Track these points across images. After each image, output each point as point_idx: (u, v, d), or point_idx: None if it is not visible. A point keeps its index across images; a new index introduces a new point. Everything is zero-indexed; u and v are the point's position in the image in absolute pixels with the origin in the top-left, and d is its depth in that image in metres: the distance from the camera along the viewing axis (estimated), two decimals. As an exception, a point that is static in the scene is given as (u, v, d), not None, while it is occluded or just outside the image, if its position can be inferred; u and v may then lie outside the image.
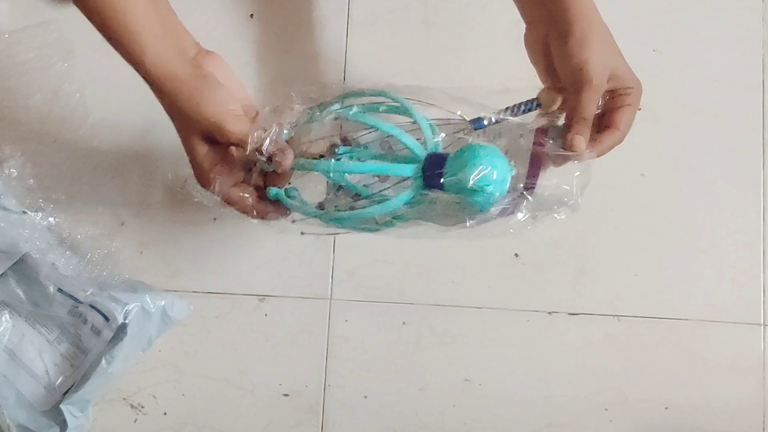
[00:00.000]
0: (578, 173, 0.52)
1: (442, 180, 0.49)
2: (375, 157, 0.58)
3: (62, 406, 0.65)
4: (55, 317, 0.67)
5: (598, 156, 0.53)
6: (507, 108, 0.55)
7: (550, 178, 0.53)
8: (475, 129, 0.56)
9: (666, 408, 0.72)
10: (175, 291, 0.71)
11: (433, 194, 0.51)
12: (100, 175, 0.72)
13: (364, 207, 0.54)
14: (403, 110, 0.56)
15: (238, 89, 0.56)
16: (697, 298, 0.72)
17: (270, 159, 0.53)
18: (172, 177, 0.72)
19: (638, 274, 0.72)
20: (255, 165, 0.55)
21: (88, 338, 0.68)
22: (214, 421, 0.72)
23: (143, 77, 0.52)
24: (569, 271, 0.72)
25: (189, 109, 0.51)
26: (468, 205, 0.50)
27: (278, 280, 0.72)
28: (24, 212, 0.67)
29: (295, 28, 0.73)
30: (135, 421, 0.72)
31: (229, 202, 0.55)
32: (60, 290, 0.66)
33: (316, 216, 0.56)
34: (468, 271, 0.72)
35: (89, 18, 0.50)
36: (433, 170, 0.50)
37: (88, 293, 0.66)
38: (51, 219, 0.68)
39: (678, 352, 0.72)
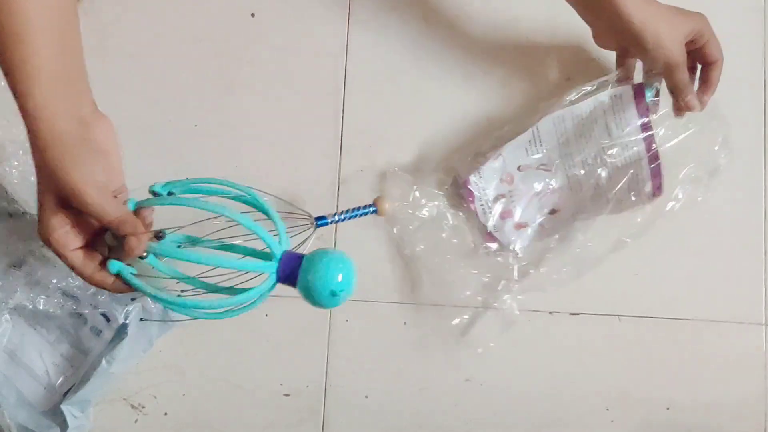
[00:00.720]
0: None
1: (296, 280, 0.52)
2: (222, 248, 0.58)
3: (62, 407, 0.65)
4: (55, 318, 0.67)
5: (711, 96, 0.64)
6: (345, 210, 0.67)
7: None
8: (318, 226, 0.65)
9: (668, 408, 0.72)
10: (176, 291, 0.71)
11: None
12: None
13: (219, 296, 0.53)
14: (254, 203, 0.56)
15: (116, 160, 0.53)
16: (698, 298, 0.72)
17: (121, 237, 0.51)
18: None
19: (639, 274, 0.72)
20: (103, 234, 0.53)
21: (88, 339, 0.68)
22: (215, 422, 0.72)
23: (23, 119, 0.49)
24: (570, 270, 0.71)
25: (56, 167, 0.48)
26: (312, 303, 0.53)
27: (279, 280, 0.72)
28: (24, 212, 0.67)
29: (295, 27, 0.73)
30: (136, 421, 0.72)
31: (69, 265, 0.51)
32: (60, 290, 0.66)
33: (161, 300, 0.53)
34: (468, 271, 0.72)
35: None
36: (289, 269, 0.52)
37: (89, 293, 0.66)
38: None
39: (679, 352, 0.72)
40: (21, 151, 0.67)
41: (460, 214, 0.69)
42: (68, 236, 0.51)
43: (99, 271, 0.52)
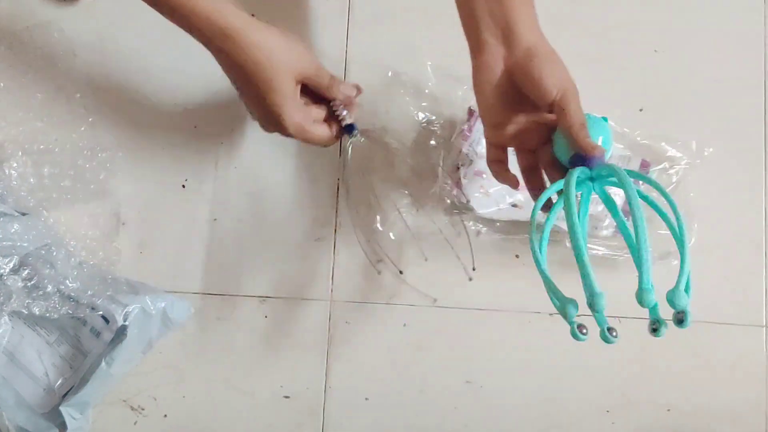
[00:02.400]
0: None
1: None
2: None
3: (62, 408, 0.65)
4: (54, 319, 0.67)
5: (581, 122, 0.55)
6: None
7: None
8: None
9: (668, 410, 0.72)
10: (176, 292, 0.71)
11: None
12: (101, 175, 0.71)
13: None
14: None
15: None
16: (699, 300, 0.71)
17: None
18: (174, 177, 0.72)
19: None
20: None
21: (87, 340, 0.68)
22: (215, 423, 0.71)
23: (223, 31, 0.54)
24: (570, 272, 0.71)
25: (289, 52, 0.55)
26: None
27: (279, 281, 0.72)
28: (23, 213, 0.67)
29: (296, 27, 0.73)
30: (135, 423, 0.71)
31: (322, 139, 0.61)
32: (60, 291, 0.65)
33: None
34: (469, 272, 0.72)
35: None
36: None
37: (88, 294, 0.65)
38: (51, 219, 0.67)
39: (680, 354, 0.72)
40: (20, 152, 0.67)
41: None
42: (312, 111, 0.61)
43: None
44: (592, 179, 0.54)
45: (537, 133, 0.56)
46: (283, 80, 0.56)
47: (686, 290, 0.51)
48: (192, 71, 0.72)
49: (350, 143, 0.66)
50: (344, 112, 0.63)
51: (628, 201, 0.48)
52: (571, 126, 0.51)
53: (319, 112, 0.62)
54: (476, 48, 0.55)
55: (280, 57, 0.55)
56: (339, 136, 0.64)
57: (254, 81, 0.56)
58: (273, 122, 0.59)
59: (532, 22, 0.54)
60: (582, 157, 0.52)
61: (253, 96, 0.57)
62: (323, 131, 0.61)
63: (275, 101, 0.57)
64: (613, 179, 0.52)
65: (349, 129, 0.64)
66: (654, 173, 0.69)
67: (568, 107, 0.52)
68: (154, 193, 0.72)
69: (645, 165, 0.70)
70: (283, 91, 0.56)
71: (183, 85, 0.73)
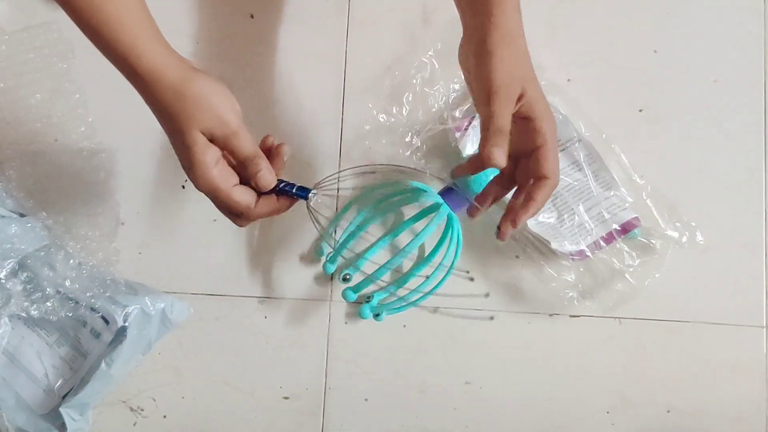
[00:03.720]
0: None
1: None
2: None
3: (61, 409, 0.65)
4: (54, 320, 0.67)
5: (534, 214, 0.55)
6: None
7: None
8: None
9: (668, 411, 0.72)
10: (175, 293, 0.71)
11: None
12: (100, 175, 0.71)
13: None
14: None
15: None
16: (698, 301, 0.72)
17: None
18: (173, 177, 0.72)
19: (639, 276, 0.71)
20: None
21: (87, 341, 0.68)
22: (214, 424, 0.71)
23: (136, 69, 0.49)
24: (570, 272, 0.71)
25: (198, 98, 0.49)
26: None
27: (278, 282, 0.72)
28: (22, 214, 0.67)
29: (295, 28, 0.73)
30: (135, 424, 0.71)
31: (234, 203, 0.52)
32: (59, 293, 0.65)
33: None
34: (469, 274, 0.72)
35: (74, 16, 0.49)
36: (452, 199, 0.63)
37: (88, 295, 0.65)
38: (50, 220, 0.67)
39: (680, 355, 0.72)
40: (19, 153, 0.67)
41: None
42: (226, 171, 0.52)
43: (264, 202, 0.54)
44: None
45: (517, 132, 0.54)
46: (193, 132, 0.50)
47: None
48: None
49: (311, 208, 0.58)
50: (281, 184, 0.56)
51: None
52: (484, 127, 0.51)
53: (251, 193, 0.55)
54: (463, 27, 0.55)
55: (193, 105, 0.50)
56: (286, 206, 0.56)
57: (165, 126, 0.51)
58: (187, 175, 0.52)
59: (513, 11, 0.51)
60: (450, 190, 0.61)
61: (172, 142, 0.52)
62: (244, 197, 0.53)
63: (184, 154, 0.51)
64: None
65: (301, 194, 0.56)
66: (638, 233, 0.69)
67: (492, 106, 0.50)
68: (154, 194, 0.72)
69: (630, 226, 0.68)
70: (196, 142, 0.50)
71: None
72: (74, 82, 0.71)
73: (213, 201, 0.53)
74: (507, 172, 0.58)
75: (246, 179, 0.54)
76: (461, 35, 0.55)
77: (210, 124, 0.50)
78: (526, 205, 0.54)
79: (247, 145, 0.52)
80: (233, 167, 0.54)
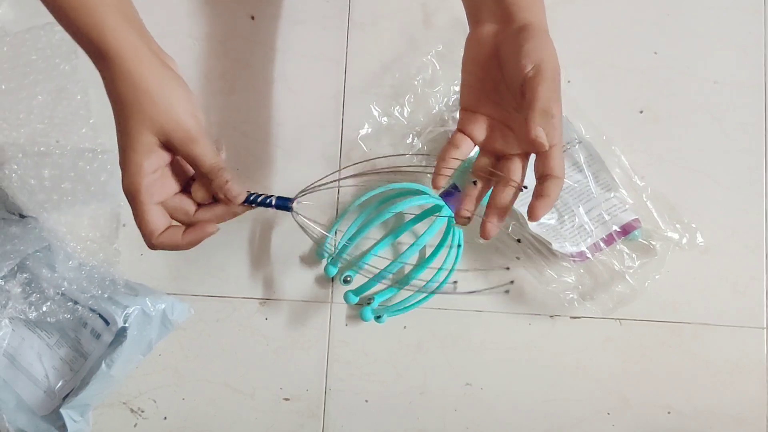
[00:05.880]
0: None
1: None
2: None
3: (62, 411, 0.65)
4: (54, 321, 0.67)
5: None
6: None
7: None
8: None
9: (668, 412, 0.72)
10: (176, 294, 0.71)
11: None
12: (102, 177, 0.71)
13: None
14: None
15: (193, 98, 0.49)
16: (699, 302, 0.72)
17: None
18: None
19: (639, 277, 0.71)
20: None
21: (88, 342, 0.68)
22: (215, 426, 0.71)
23: (101, 59, 0.45)
24: (570, 273, 0.71)
25: (157, 100, 0.45)
26: None
27: (279, 283, 0.72)
28: (23, 215, 0.67)
29: (296, 29, 0.73)
30: (135, 425, 0.71)
31: (143, 221, 0.48)
32: (60, 293, 0.65)
33: None
34: (469, 274, 0.72)
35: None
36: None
37: (88, 296, 0.65)
38: (51, 221, 0.67)
39: (680, 356, 0.72)
40: (21, 154, 0.67)
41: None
42: (160, 182, 0.48)
43: (168, 233, 0.49)
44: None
45: (502, 136, 0.50)
46: (140, 130, 0.45)
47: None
48: (191, 73, 0.72)
49: (297, 219, 0.54)
50: (252, 195, 0.50)
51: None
52: (530, 107, 0.45)
53: (188, 202, 0.50)
54: (471, 25, 0.52)
55: (148, 100, 0.45)
56: (189, 242, 0.50)
57: (116, 115, 0.47)
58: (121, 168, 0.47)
59: (534, 4, 0.49)
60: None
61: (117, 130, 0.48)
62: (153, 220, 0.48)
63: (122, 145, 0.47)
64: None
65: (282, 205, 0.51)
66: (638, 234, 0.69)
67: (537, 87, 0.45)
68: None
69: (630, 227, 0.68)
70: (140, 142, 0.46)
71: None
72: (77, 84, 0.71)
73: (131, 208, 0.49)
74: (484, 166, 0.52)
75: (214, 191, 0.49)
76: (463, 32, 0.54)
77: (168, 127, 0.46)
78: (543, 201, 0.47)
79: (210, 154, 0.47)
80: (193, 178, 0.50)
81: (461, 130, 0.51)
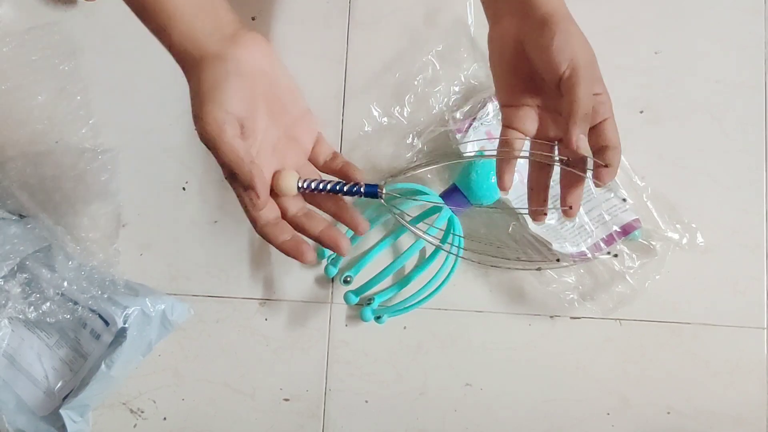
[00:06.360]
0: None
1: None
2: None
3: (62, 411, 0.65)
4: (54, 321, 0.67)
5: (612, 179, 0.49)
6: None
7: None
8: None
9: (668, 412, 0.72)
10: (175, 294, 0.71)
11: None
12: (102, 177, 0.71)
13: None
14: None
15: (279, 78, 0.47)
16: (699, 302, 0.72)
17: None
18: (174, 179, 0.72)
19: (639, 278, 0.71)
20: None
21: (87, 342, 0.68)
22: (214, 426, 0.71)
23: (168, 50, 0.46)
24: (570, 273, 0.71)
25: (192, 96, 0.45)
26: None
27: (278, 284, 0.72)
28: (23, 215, 0.67)
29: (296, 29, 0.73)
30: (135, 426, 0.71)
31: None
32: (60, 294, 0.65)
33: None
34: (469, 274, 0.72)
35: None
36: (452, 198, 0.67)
37: (88, 297, 0.65)
38: (51, 221, 0.67)
39: (680, 356, 0.72)
40: (22, 154, 0.67)
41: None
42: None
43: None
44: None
45: (553, 122, 0.49)
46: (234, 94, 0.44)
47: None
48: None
49: (390, 208, 0.51)
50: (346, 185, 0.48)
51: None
52: (571, 113, 0.44)
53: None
54: (491, 21, 0.51)
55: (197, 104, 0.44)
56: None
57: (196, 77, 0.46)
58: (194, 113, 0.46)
59: None
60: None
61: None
62: (242, 152, 0.44)
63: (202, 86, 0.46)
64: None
65: (370, 193, 0.48)
66: (638, 234, 0.69)
67: (575, 89, 0.44)
68: (155, 195, 0.72)
69: (630, 228, 0.68)
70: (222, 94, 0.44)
71: (183, 87, 0.72)
72: (77, 84, 0.71)
73: (215, 152, 0.45)
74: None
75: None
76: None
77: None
78: (608, 171, 0.47)
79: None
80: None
81: (509, 126, 0.50)
